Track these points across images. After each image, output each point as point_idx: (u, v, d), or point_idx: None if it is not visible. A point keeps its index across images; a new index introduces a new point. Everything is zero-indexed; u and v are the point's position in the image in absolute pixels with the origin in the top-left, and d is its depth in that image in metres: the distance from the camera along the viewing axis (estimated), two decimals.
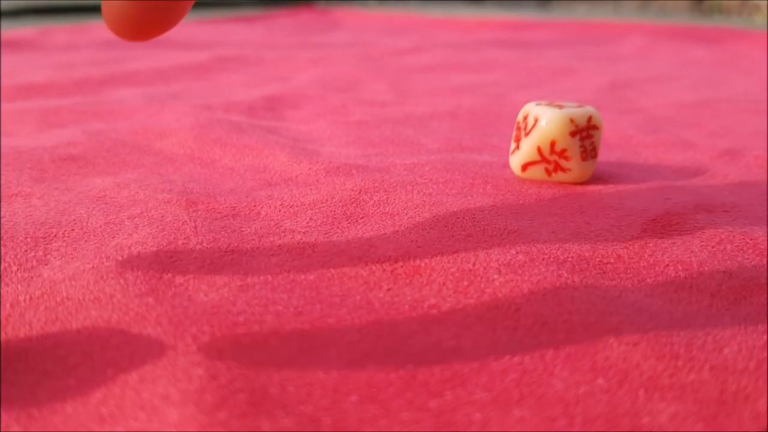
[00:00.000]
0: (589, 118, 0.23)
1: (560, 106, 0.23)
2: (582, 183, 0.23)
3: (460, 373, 0.13)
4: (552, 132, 0.22)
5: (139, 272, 0.16)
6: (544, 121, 0.23)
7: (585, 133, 0.23)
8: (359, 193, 0.21)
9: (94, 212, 0.20)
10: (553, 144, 0.23)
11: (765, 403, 0.12)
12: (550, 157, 0.23)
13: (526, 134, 0.23)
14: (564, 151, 0.23)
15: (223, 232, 0.19)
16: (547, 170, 0.23)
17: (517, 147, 0.24)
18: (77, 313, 0.15)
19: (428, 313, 0.15)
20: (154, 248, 0.17)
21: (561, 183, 0.23)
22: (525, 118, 0.23)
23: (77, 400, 0.12)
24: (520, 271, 0.16)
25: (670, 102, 0.40)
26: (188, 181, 0.23)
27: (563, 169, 0.23)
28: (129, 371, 0.13)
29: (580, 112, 0.23)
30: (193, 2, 0.14)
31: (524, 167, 0.23)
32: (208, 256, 0.17)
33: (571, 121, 0.22)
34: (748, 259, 0.17)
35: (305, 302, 0.15)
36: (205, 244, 0.18)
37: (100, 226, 0.19)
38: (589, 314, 0.14)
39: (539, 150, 0.23)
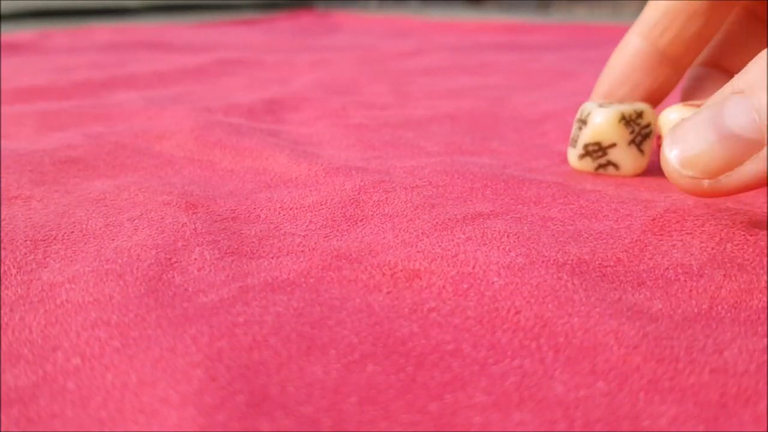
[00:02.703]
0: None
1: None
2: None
3: (459, 376, 0.13)
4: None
5: (139, 274, 0.16)
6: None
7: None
8: (359, 194, 0.21)
9: (93, 214, 0.20)
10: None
11: (765, 406, 0.12)
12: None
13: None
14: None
15: (222, 234, 0.19)
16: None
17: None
18: (77, 316, 0.15)
19: (428, 316, 0.15)
20: (154, 250, 0.17)
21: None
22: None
23: (77, 403, 0.12)
24: (519, 274, 0.16)
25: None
26: (188, 184, 0.23)
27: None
28: (128, 374, 0.12)
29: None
30: None
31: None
32: (208, 258, 0.17)
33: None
34: (748, 260, 0.17)
35: (305, 304, 0.15)
36: (204, 246, 0.18)
37: (100, 229, 0.19)
38: (589, 317, 0.14)
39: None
